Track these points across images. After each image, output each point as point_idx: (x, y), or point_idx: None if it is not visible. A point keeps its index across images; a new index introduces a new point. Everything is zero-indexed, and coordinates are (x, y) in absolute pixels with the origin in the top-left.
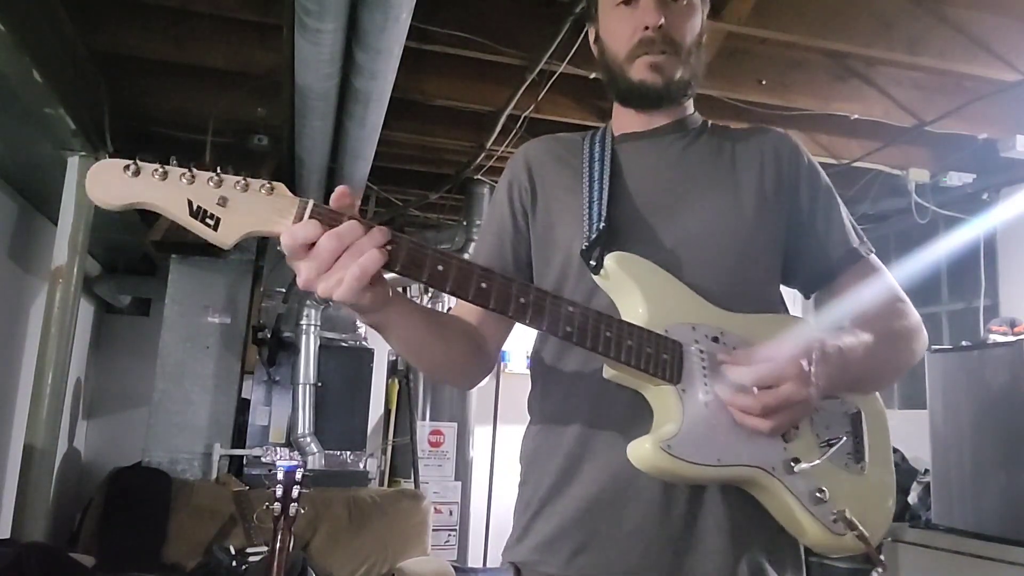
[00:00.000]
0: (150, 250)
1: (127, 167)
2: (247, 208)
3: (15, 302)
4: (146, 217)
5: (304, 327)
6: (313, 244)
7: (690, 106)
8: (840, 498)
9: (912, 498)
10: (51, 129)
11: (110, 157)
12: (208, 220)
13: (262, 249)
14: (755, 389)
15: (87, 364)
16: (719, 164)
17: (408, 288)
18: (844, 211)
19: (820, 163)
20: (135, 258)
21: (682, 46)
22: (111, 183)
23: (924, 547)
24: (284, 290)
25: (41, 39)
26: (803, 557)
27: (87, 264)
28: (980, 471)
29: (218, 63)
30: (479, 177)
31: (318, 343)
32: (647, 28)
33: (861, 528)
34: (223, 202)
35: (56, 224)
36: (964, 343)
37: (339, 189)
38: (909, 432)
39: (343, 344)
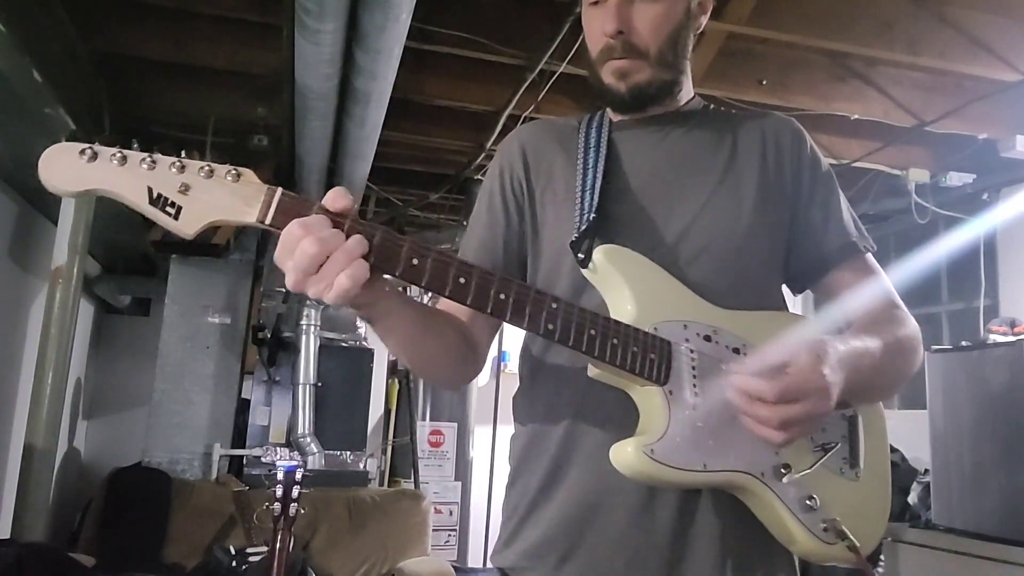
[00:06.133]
0: (150, 250)
1: (83, 151)
2: (211, 196)
3: (15, 302)
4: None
5: (304, 327)
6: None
7: (684, 96)
8: (832, 506)
9: (912, 498)
10: (51, 129)
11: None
12: (169, 208)
13: (262, 249)
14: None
15: (87, 364)
16: (719, 153)
17: (408, 288)
18: (844, 202)
19: None
20: (135, 258)
21: (647, 50)
22: (66, 168)
23: (924, 547)
24: (284, 290)
25: (41, 39)
26: (797, 564)
27: (87, 264)
28: (980, 471)
29: (218, 63)
30: (479, 177)
31: (318, 343)
32: (607, 34)
33: (852, 538)
34: (185, 189)
35: (56, 224)
36: (964, 343)
37: (336, 190)
38: (909, 432)
39: (343, 344)
